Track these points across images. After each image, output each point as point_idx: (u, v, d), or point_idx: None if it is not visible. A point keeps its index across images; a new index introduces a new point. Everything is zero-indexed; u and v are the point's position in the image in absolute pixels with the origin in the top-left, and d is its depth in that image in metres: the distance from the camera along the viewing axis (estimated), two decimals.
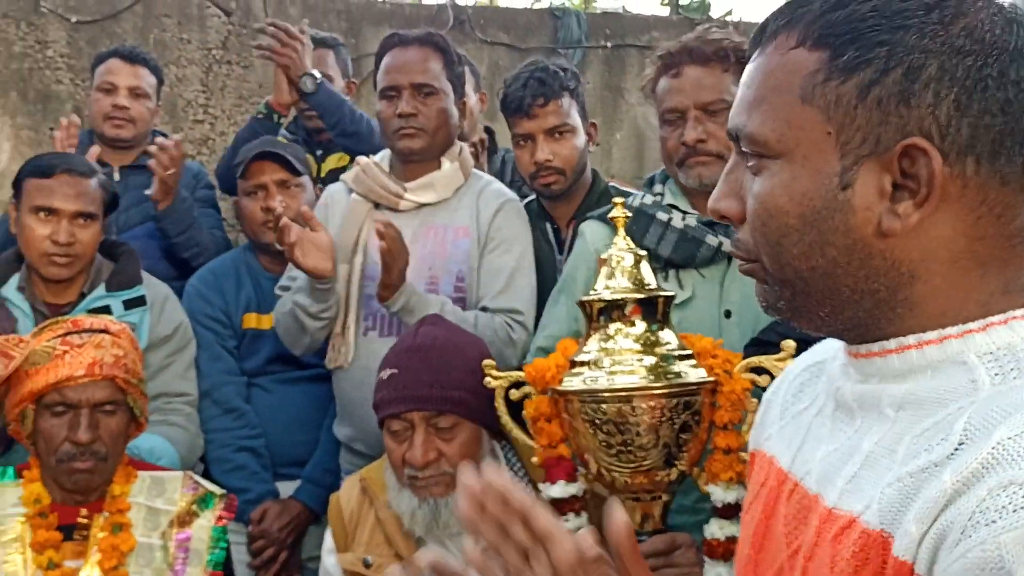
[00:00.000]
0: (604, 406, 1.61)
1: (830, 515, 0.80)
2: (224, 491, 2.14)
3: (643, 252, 1.75)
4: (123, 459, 2.09)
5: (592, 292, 1.73)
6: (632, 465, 1.64)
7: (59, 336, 1.98)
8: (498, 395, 1.82)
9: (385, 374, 1.91)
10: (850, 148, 0.78)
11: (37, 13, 4.11)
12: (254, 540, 2.62)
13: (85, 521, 2.03)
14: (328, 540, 2.03)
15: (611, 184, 2.76)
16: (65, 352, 1.96)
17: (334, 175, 3.17)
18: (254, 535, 2.62)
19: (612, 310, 1.69)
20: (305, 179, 2.83)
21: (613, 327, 1.69)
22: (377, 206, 2.57)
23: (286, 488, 2.73)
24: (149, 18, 4.25)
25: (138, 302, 2.60)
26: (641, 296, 1.69)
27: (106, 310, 2.47)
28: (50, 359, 1.95)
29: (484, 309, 2.46)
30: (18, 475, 2.05)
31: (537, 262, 2.56)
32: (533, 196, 2.74)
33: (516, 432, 1.82)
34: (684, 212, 2.09)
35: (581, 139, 2.62)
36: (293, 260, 2.37)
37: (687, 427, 1.64)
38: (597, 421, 1.62)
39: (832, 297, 0.82)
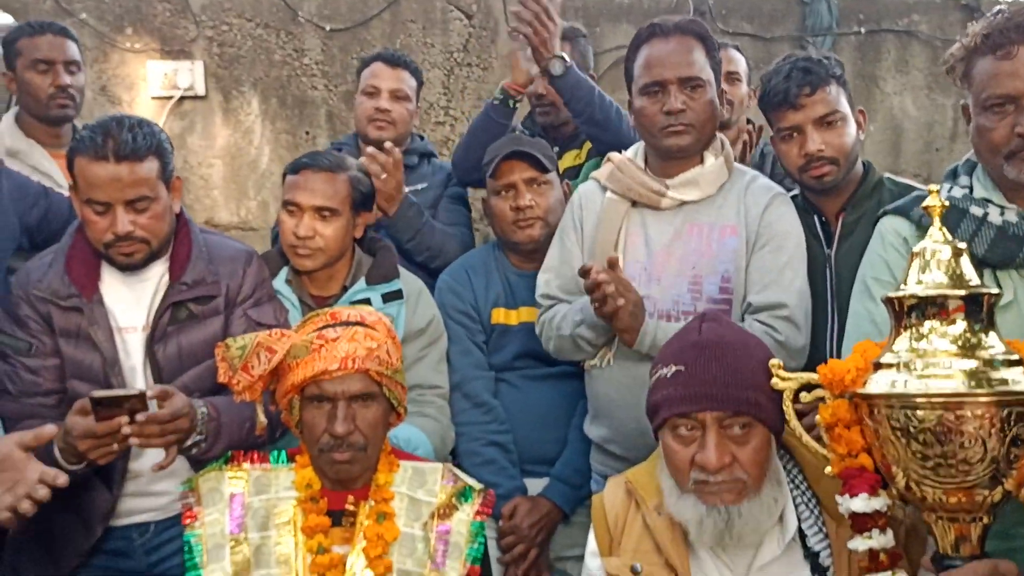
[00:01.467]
0: (921, 413, 1.40)
1: None
2: (483, 486, 2.08)
3: (962, 245, 1.52)
4: (386, 448, 2.07)
5: (902, 287, 1.52)
6: (952, 481, 1.42)
7: (318, 329, 1.99)
8: (787, 398, 1.64)
9: (668, 371, 1.76)
10: None
11: (295, 23, 4.28)
12: (504, 536, 2.56)
13: (352, 508, 2.02)
14: (592, 542, 1.92)
15: (886, 176, 2.50)
16: (321, 346, 1.95)
17: (569, 173, 3.09)
18: (504, 531, 2.56)
19: (926, 307, 1.48)
20: (553, 176, 2.75)
21: (927, 326, 1.47)
22: (634, 204, 2.45)
23: (532, 485, 2.65)
24: (396, 24, 4.34)
25: (396, 295, 2.62)
26: (963, 293, 1.46)
27: (366, 303, 2.49)
28: (308, 353, 1.95)
29: (748, 306, 2.29)
30: (290, 459, 2.07)
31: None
32: (796, 191, 2.53)
33: (807, 439, 1.64)
34: (1002, 207, 1.84)
35: (852, 127, 2.40)
36: (616, 327, 2.26)
37: (1018, 441, 1.40)
38: (912, 430, 1.41)
39: None
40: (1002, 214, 1.81)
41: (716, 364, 1.72)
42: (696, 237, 2.37)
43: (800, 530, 1.76)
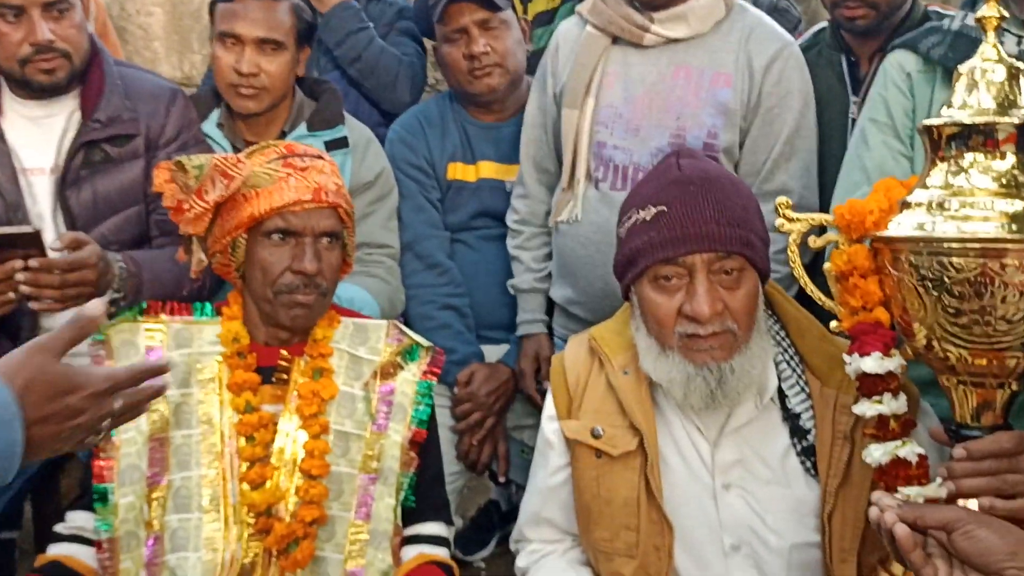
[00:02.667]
0: (959, 261, 1.15)
1: None
2: (431, 344, 1.82)
3: (1021, 65, 1.25)
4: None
5: (944, 112, 1.25)
6: (984, 341, 1.18)
7: (277, 159, 1.69)
8: (792, 242, 1.38)
9: (647, 213, 1.49)
10: None
11: None
12: (459, 403, 2.33)
13: (285, 364, 1.75)
14: (550, 405, 1.68)
15: (931, 8, 2.15)
16: (289, 175, 1.67)
17: (544, 17, 2.75)
18: (460, 398, 2.32)
19: (969, 136, 1.21)
20: (508, 14, 2.39)
21: (968, 159, 1.21)
22: (615, 41, 2.12)
23: (490, 353, 2.41)
24: None
25: (340, 143, 2.33)
26: (1016, 121, 1.19)
27: None
28: (273, 182, 1.67)
29: None
30: (216, 312, 1.79)
31: (824, 101, 2.07)
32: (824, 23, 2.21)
33: (812, 288, 1.39)
34: (1019, 36, 1.57)
35: None
36: None
37: None
38: (946, 281, 1.16)
39: None
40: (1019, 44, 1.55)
41: (704, 201, 1.46)
42: (683, 82, 2.06)
43: (780, 390, 1.54)
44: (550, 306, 2.33)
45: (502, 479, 2.37)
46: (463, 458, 2.33)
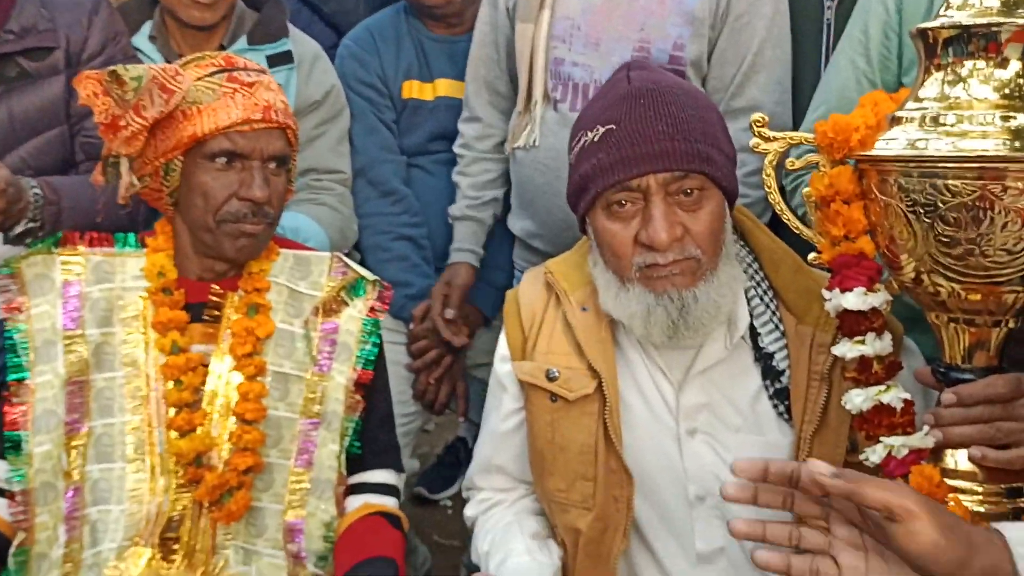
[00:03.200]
0: (952, 183, 1.01)
1: None
2: (377, 278, 1.67)
3: None
4: None
5: (942, 14, 1.09)
6: (979, 274, 1.04)
7: (218, 72, 1.51)
8: (769, 163, 1.23)
9: (596, 133, 1.34)
10: None
11: None
12: (415, 340, 2.18)
13: (217, 300, 1.60)
14: (503, 345, 1.54)
15: None
16: (235, 91, 1.50)
17: None
18: (415, 335, 2.18)
19: (969, 40, 1.05)
20: None
21: (967, 67, 1.05)
22: None
23: None
24: None
25: (284, 59, 2.14)
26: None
27: None
28: (217, 98, 1.50)
29: None
30: (141, 244, 1.63)
31: (797, 6, 1.89)
32: None
33: (790, 216, 1.24)
34: None
35: None
36: None
37: None
38: (941, 205, 1.02)
39: None
40: None
41: (655, 115, 1.31)
42: None
43: (752, 328, 1.41)
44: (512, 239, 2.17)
45: (461, 419, 2.25)
46: (420, 398, 2.20)
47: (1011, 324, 1.10)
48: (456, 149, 2.21)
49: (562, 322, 1.48)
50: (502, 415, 1.53)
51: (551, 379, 1.44)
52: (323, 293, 1.63)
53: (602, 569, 1.43)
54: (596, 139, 1.34)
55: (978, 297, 1.07)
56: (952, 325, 1.11)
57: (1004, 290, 1.06)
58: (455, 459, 2.98)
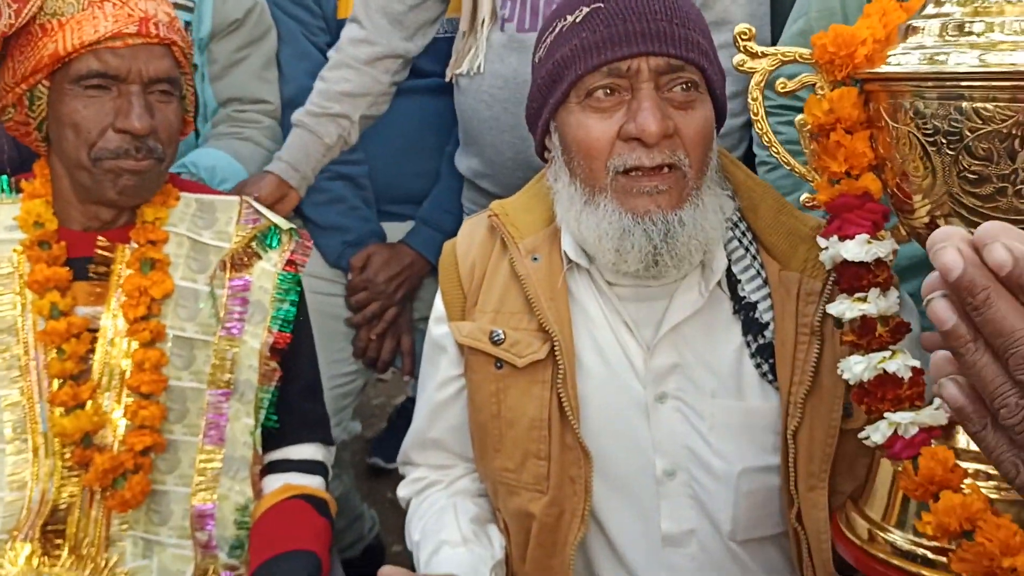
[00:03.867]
0: (981, 106, 0.78)
1: None
2: (293, 226, 1.44)
3: None
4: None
5: None
6: (1011, 219, 0.82)
7: None
8: (756, 85, 0.99)
9: (579, 14, 1.13)
10: None
11: None
12: (354, 291, 1.96)
13: (105, 254, 1.37)
14: (438, 305, 1.32)
15: None
16: (103, 0, 1.24)
17: None
18: (355, 285, 1.95)
19: None
20: None
21: None
22: None
23: (394, 231, 2.03)
24: None
25: None
26: None
27: None
28: (81, 9, 1.27)
29: None
30: (16, 189, 1.39)
31: None
32: None
33: (778, 148, 1.01)
34: None
35: None
36: None
37: None
38: (967, 134, 0.79)
39: None
40: None
41: None
42: None
43: (730, 274, 1.20)
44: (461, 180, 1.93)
45: (407, 379, 2.04)
46: (361, 355, 1.98)
47: None
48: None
49: (508, 274, 1.26)
50: (438, 382, 1.32)
51: (495, 342, 1.23)
52: (231, 244, 1.40)
53: (558, 559, 1.23)
54: (578, 19, 1.13)
55: None
56: None
57: None
58: (407, 422, 2.77)
